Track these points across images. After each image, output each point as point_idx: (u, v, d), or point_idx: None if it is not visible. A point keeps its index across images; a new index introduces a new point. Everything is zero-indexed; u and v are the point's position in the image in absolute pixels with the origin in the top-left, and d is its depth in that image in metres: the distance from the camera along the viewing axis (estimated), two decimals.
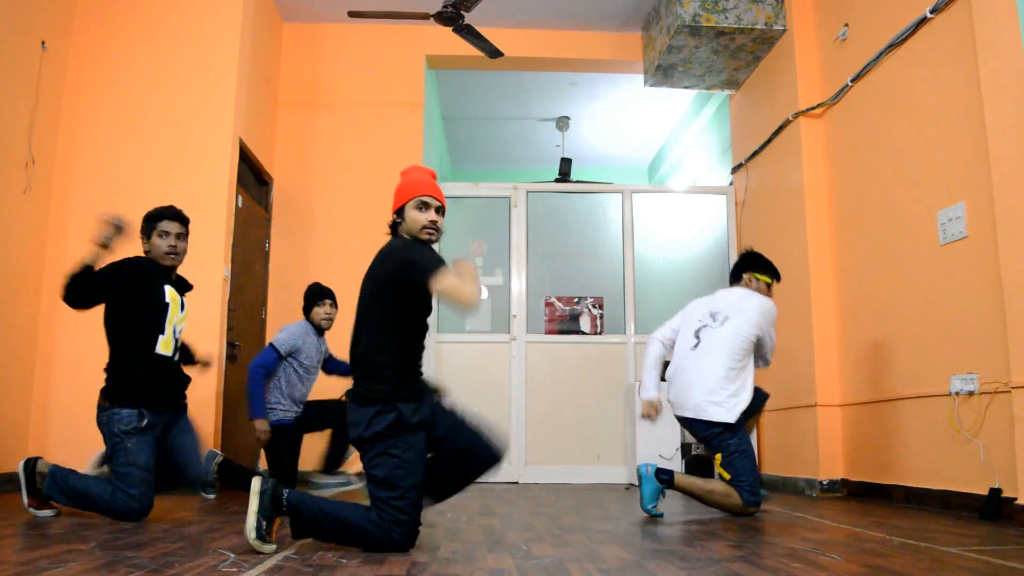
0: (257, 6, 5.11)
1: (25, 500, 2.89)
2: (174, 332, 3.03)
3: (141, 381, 2.92)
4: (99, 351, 4.37)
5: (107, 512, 2.80)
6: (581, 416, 5.64)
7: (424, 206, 2.31)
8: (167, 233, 3.00)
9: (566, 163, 7.33)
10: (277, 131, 5.71)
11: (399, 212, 2.34)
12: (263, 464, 4.68)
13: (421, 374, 2.34)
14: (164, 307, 2.97)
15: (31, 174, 4.32)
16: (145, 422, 2.88)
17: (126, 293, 2.90)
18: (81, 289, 2.80)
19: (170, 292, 3.01)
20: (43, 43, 4.40)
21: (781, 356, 5.00)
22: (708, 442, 3.27)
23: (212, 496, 3.85)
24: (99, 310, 2.97)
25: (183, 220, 3.05)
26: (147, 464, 2.85)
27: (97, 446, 4.70)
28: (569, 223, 6.05)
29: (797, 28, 4.89)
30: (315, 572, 1.82)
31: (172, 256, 3.00)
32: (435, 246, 2.36)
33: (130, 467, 2.81)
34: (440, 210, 2.35)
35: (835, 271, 4.56)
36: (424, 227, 2.30)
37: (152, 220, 3.02)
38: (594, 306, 5.87)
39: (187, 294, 3.16)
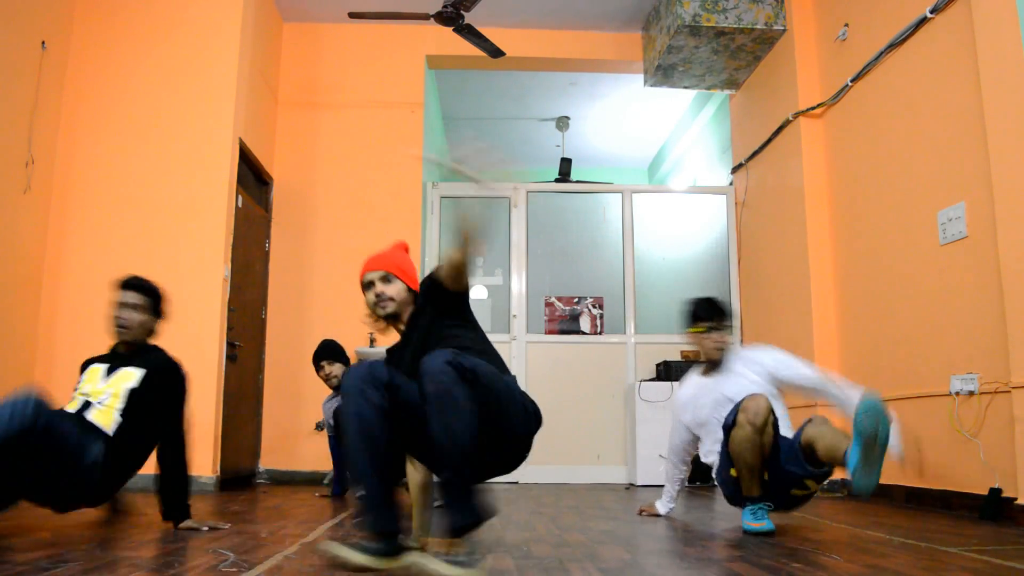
0: (257, 6, 5.11)
1: None
2: (81, 400, 2.63)
3: None
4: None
5: None
6: (581, 416, 5.64)
7: (367, 286, 2.24)
8: (117, 303, 2.70)
9: (566, 163, 7.32)
10: (277, 131, 5.71)
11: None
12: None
13: None
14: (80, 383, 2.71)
15: (31, 174, 4.32)
16: None
17: None
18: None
19: (90, 371, 2.70)
20: (43, 43, 4.40)
21: None
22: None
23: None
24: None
25: (138, 288, 2.71)
26: None
27: None
28: (569, 223, 6.05)
29: (797, 28, 4.89)
30: (315, 572, 1.82)
31: (120, 329, 2.68)
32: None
33: None
34: (384, 278, 2.23)
35: (835, 271, 4.56)
36: (372, 305, 2.24)
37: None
38: (594, 306, 5.87)
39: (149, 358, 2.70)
